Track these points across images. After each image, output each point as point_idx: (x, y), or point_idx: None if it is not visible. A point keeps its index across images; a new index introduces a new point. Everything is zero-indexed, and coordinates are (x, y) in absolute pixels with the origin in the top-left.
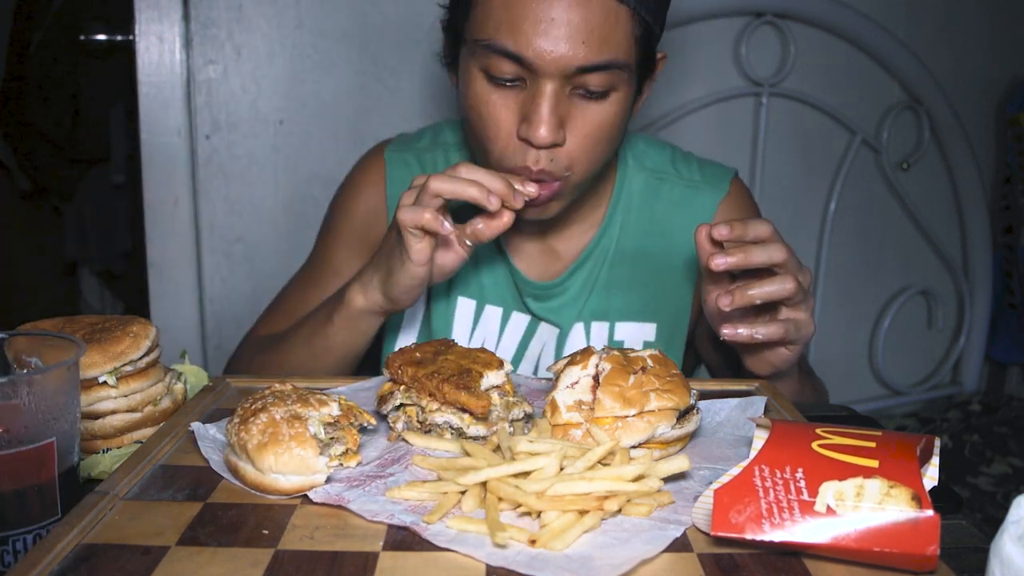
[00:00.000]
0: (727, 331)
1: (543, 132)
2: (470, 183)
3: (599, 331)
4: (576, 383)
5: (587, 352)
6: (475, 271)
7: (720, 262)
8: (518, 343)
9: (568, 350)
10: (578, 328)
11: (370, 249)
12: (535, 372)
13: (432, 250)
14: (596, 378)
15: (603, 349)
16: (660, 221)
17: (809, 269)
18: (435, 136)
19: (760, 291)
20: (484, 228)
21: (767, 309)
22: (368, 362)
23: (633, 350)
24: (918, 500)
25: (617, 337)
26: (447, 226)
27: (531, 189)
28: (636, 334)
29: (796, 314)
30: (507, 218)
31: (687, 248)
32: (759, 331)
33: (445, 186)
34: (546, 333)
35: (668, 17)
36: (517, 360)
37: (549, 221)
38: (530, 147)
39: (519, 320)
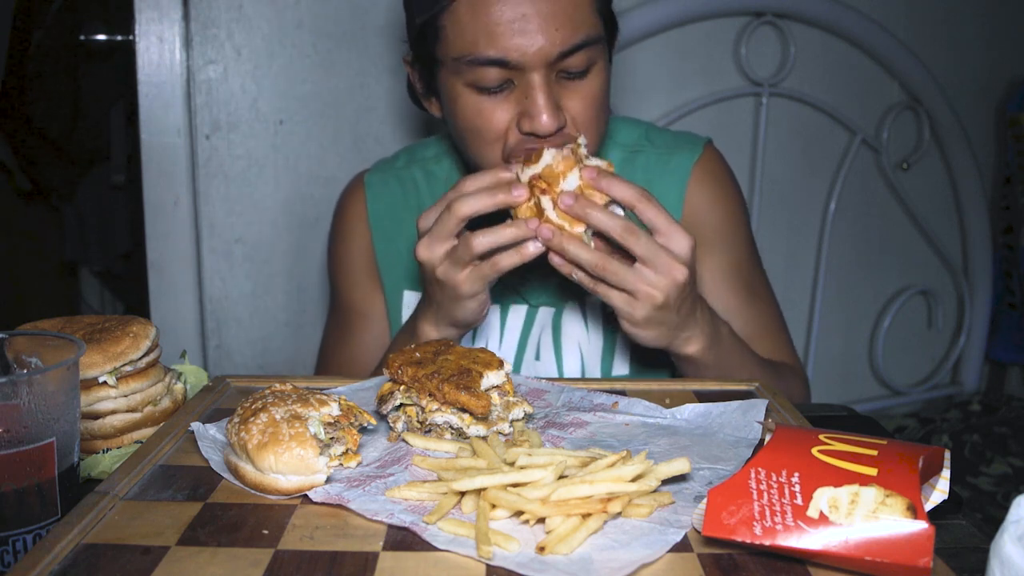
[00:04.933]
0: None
1: (546, 120)
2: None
3: (593, 306)
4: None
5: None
6: None
7: (566, 202)
8: (519, 334)
9: (565, 328)
10: (574, 306)
11: (380, 278)
12: (537, 357)
13: (479, 278)
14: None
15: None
16: None
17: (685, 268)
18: (411, 155)
19: (597, 214)
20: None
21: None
22: None
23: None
24: (913, 511)
25: (609, 309)
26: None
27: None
28: None
29: (625, 280)
30: (532, 248)
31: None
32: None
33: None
34: (543, 316)
35: (668, 17)
36: (520, 349)
37: None
38: (534, 138)
39: (518, 311)
